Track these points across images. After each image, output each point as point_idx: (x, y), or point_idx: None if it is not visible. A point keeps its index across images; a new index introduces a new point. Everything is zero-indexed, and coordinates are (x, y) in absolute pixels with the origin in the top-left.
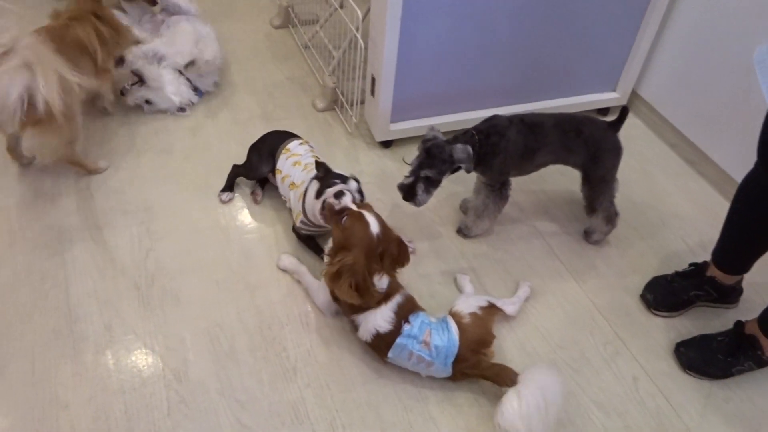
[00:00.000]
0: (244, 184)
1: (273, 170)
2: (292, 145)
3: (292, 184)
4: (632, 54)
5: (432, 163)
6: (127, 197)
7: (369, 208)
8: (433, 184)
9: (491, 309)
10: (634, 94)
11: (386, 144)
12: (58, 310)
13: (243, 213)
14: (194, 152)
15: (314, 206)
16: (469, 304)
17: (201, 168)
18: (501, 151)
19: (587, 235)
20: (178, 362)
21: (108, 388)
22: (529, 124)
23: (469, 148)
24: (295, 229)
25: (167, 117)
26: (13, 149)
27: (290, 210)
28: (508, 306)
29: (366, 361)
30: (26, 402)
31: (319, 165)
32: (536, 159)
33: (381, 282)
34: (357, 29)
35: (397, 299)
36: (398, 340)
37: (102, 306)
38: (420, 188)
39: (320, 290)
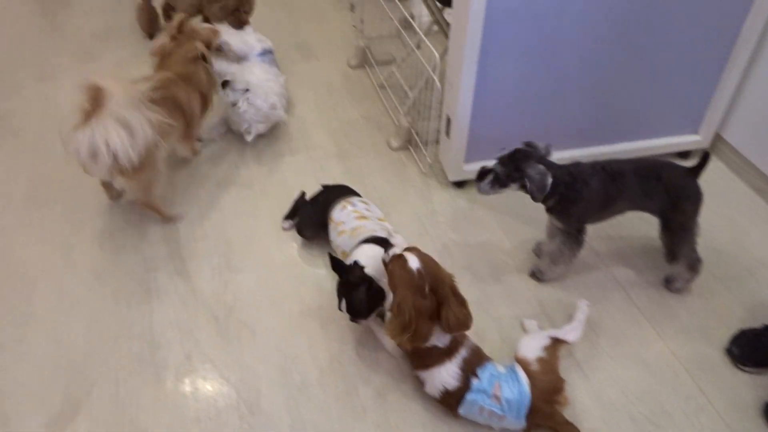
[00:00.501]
0: None
1: (318, 236)
2: (335, 213)
3: (343, 253)
4: (716, 95)
5: (507, 163)
6: (208, 230)
7: (414, 249)
8: (499, 181)
9: (555, 345)
10: (717, 137)
11: (459, 184)
12: (142, 338)
13: (316, 248)
14: (271, 187)
15: None
16: (532, 346)
17: (278, 203)
18: (582, 199)
19: (668, 282)
20: (252, 394)
21: (185, 415)
22: (611, 172)
23: (549, 178)
24: None
25: (246, 152)
26: (107, 184)
27: None
28: (570, 334)
29: (437, 405)
30: (109, 424)
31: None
32: (615, 207)
33: (441, 339)
34: (434, 70)
35: (462, 354)
36: (468, 396)
37: (183, 335)
38: (489, 178)
39: (383, 333)
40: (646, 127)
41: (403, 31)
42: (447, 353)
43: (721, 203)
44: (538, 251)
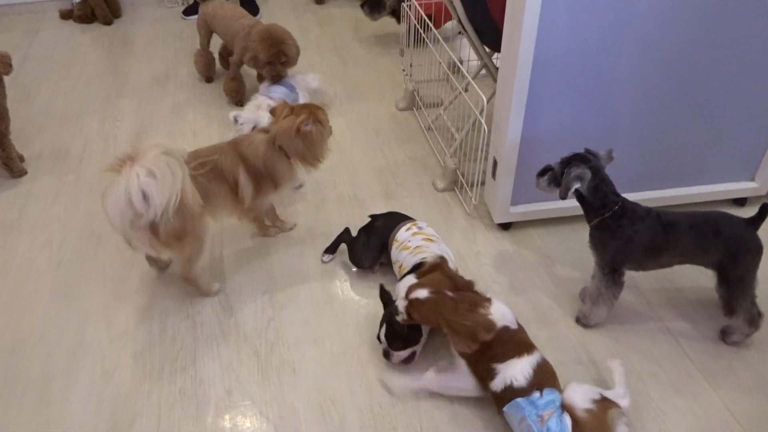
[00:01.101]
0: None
1: (385, 256)
2: (400, 234)
3: (401, 267)
4: None
5: (564, 161)
6: (253, 267)
7: (414, 286)
8: (554, 179)
9: (605, 403)
10: None
11: (505, 226)
12: (185, 371)
13: (360, 287)
14: (316, 226)
15: None
16: (581, 396)
17: (322, 241)
18: (623, 236)
19: (725, 335)
20: None
21: None
22: (664, 222)
23: (577, 183)
24: None
25: (292, 191)
26: (151, 258)
27: None
28: (621, 399)
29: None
30: None
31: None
32: (662, 259)
33: (507, 319)
34: (481, 113)
35: (536, 356)
36: (519, 400)
37: (224, 370)
38: (549, 174)
39: (456, 377)
40: (700, 172)
41: (451, 75)
42: (526, 347)
43: None
44: (583, 295)
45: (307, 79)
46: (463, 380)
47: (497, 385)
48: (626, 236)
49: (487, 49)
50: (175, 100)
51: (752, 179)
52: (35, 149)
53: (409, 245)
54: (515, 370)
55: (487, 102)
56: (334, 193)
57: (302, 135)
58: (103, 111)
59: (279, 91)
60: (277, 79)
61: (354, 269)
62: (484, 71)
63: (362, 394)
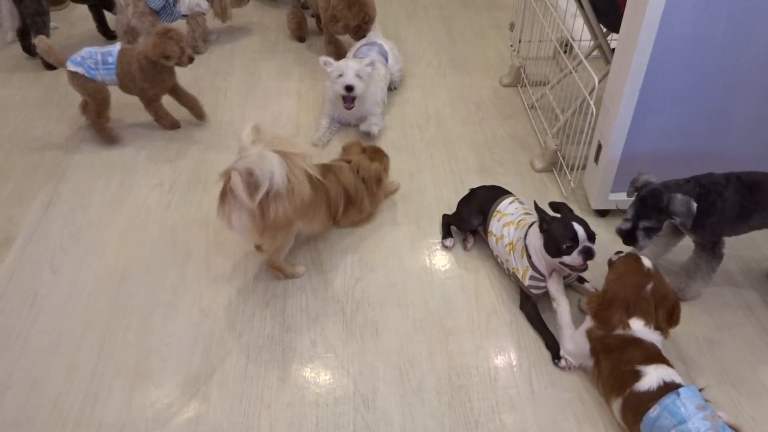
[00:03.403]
0: (456, 230)
1: (483, 224)
2: (502, 205)
3: (509, 244)
4: None
5: (648, 213)
6: (346, 228)
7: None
8: (653, 230)
9: None
10: None
11: (602, 213)
12: (275, 319)
13: (448, 258)
14: (410, 195)
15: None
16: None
17: (415, 210)
18: (717, 211)
19: None
20: (368, 389)
21: (305, 398)
22: (747, 183)
23: (693, 204)
24: (522, 303)
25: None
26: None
27: (513, 275)
28: None
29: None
30: (237, 394)
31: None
32: (752, 221)
33: (649, 331)
34: (590, 93)
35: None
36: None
37: (311, 322)
38: (640, 235)
39: (573, 337)
40: None
41: (562, 53)
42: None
43: None
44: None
45: (387, 45)
46: (568, 342)
47: (649, 384)
48: (718, 209)
49: (604, 29)
50: (283, 60)
51: None
52: None
53: (513, 220)
54: (665, 372)
55: (599, 83)
56: (429, 163)
57: (377, 179)
58: (216, 67)
59: (367, 53)
60: (362, 37)
61: (444, 242)
62: (596, 52)
63: (441, 362)
